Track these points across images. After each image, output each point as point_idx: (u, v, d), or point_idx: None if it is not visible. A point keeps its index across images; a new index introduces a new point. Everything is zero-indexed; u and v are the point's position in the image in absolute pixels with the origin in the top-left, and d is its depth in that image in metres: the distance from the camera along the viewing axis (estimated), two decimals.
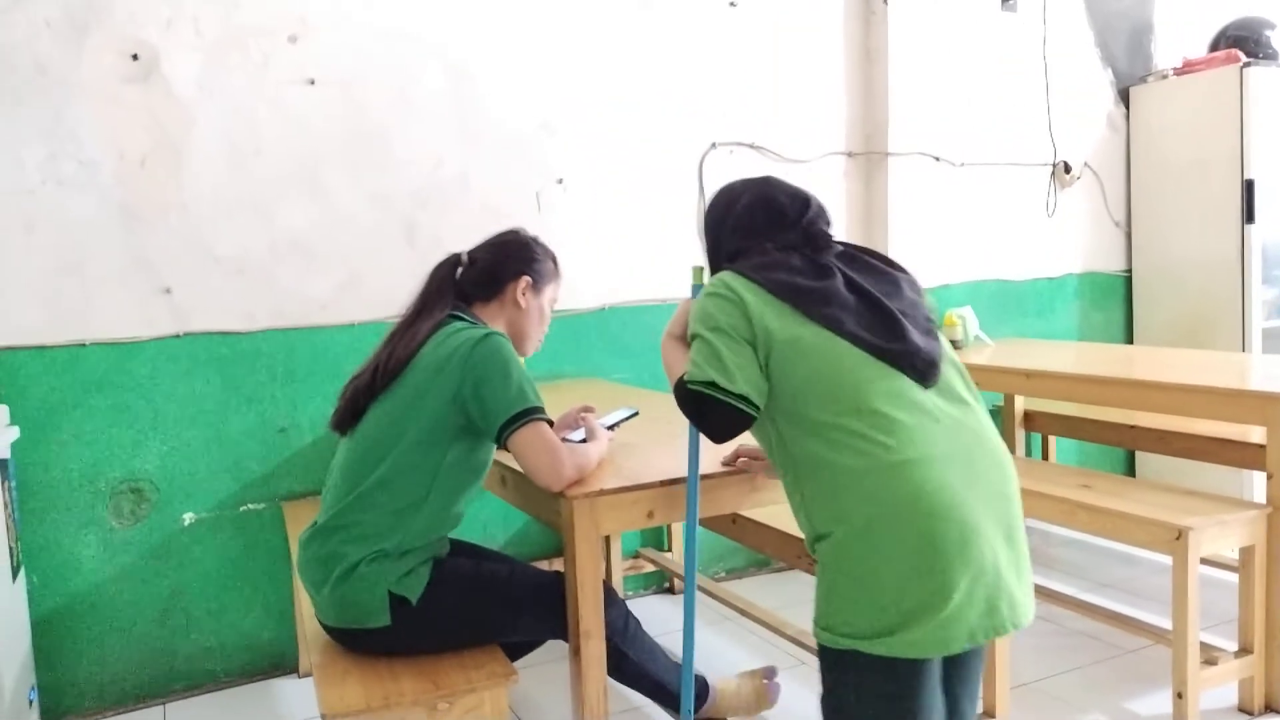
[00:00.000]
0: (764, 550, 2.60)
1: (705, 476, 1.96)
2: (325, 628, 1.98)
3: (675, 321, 1.85)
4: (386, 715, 1.77)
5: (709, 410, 1.57)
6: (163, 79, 2.83)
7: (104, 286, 2.79)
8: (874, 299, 1.59)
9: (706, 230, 1.83)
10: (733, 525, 2.61)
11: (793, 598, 3.44)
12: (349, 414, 1.99)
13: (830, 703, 1.60)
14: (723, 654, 3.08)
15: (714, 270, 1.79)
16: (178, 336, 2.88)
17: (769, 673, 2.27)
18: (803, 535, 1.64)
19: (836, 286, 1.60)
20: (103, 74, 2.77)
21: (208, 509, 2.94)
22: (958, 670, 1.61)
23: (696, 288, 1.88)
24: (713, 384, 1.54)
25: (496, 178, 3.28)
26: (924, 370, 1.55)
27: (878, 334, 1.56)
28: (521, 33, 3.29)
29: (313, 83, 3.00)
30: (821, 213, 1.73)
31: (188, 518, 2.92)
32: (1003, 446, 1.61)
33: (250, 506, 2.99)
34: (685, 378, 1.60)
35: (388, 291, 3.09)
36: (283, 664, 3.06)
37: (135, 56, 2.80)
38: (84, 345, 2.78)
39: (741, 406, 1.54)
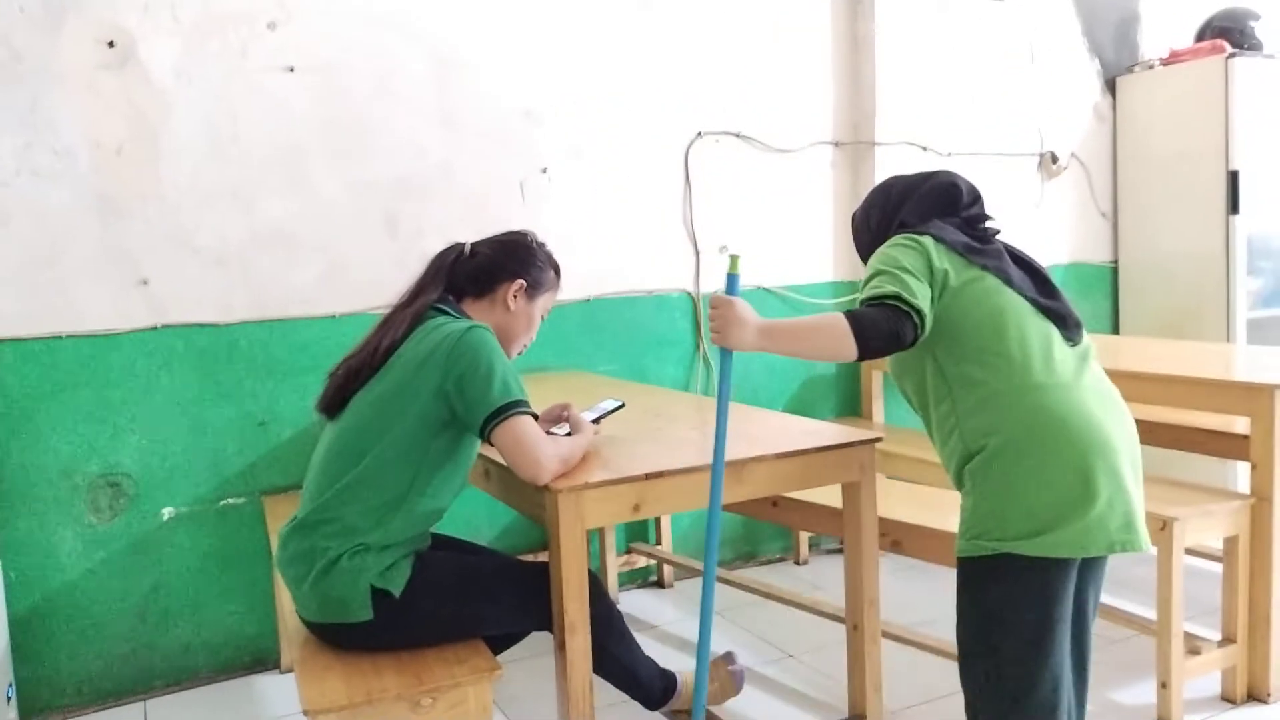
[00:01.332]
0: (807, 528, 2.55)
1: (696, 469, 1.94)
2: (306, 623, 1.95)
3: (745, 312, 1.79)
4: (369, 711, 1.75)
5: (889, 320, 1.65)
6: (140, 66, 2.78)
7: (80, 278, 2.75)
8: (1034, 267, 1.83)
9: (880, 202, 1.94)
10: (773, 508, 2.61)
11: (792, 587, 3.43)
12: (337, 398, 1.96)
13: (976, 612, 1.73)
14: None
15: (873, 241, 1.89)
16: (155, 329, 2.84)
17: (730, 659, 2.27)
18: (948, 466, 1.79)
19: (1002, 251, 1.82)
20: (79, 61, 2.72)
21: (187, 503, 2.90)
22: (1093, 575, 1.78)
23: (732, 277, 1.86)
24: (898, 296, 1.65)
25: (480, 167, 3.25)
26: (1073, 329, 1.77)
27: (1039, 292, 1.77)
28: (505, 20, 3.25)
29: (292, 70, 2.96)
30: (984, 208, 1.91)
31: (167, 512, 2.88)
32: (1127, 407, 1.80)
33: (230, 501, 2.95)
34: (868, 296, 1.69)
35: (369, 283, 3.06)
36: (264, 660, 3.03)
37: (112, 43, 2.75)
38: (60, 337, 2.73)
39: (917, 319, 1.66)
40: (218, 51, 2.87)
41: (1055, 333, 1.74)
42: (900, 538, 2.44)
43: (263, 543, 2.95)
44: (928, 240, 1.76)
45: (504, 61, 3.27)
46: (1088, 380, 1.73)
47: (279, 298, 2.98)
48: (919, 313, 1.66)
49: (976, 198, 1.90)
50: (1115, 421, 1.71)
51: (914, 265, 1.72)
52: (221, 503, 2.95)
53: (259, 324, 2.96)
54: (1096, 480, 1.63)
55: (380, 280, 3.03)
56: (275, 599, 2.93)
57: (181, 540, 2.91)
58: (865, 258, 1.90)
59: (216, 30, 2.86)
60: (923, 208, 1.86)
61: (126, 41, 2.76)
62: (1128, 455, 1.70)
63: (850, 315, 1.67)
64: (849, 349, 1.67)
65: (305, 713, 1.72)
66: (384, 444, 1.87)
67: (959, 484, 1.78)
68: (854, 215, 2.01)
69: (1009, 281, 1.75)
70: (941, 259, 1.74)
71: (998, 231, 1.89)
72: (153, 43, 2.79)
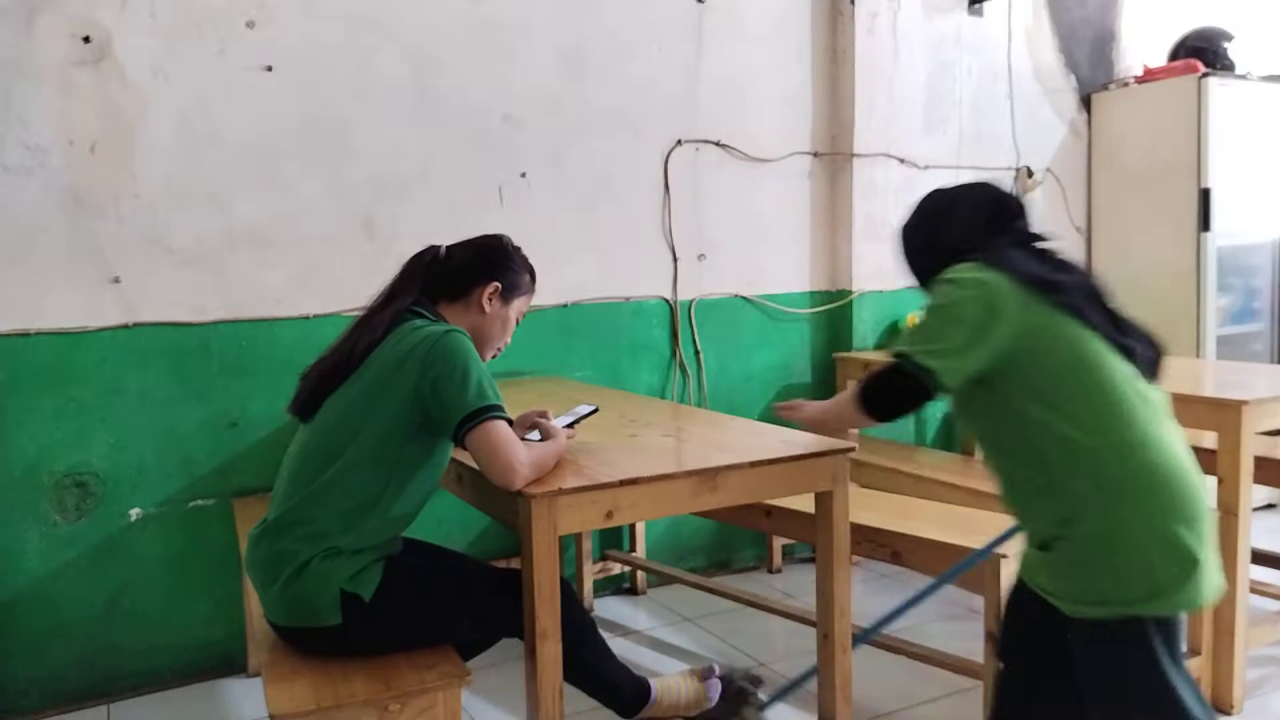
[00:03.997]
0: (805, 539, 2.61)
1: (670, 476, 1.94)
2: (274, 627, 1.93)
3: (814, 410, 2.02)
4: (337, 716, 1.74)
5: (893, 389, 1.69)
6: (115, 63, 2.75)
7: (51, 275, 2.71)
8: (1104, 303, 1.71)
9: (929, 220, 1.88)
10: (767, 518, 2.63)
11: (765, 594, 3.43)
12: (310, 400, 1.95)
13: (1109, 676, 1.65)
14: (686, 655, 3.07)
15: (920, 266, 1.86)
16: (126, 327, 2.81)
17: (707, 672, 2.27)
18: (1031, 522, 1.71)
19: (1076, 282, 1.70)
20: (53, 57, 2.69)
21: (155, 504, 2.87)
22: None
23: None
24: (905, 355, 1.66)
25: (458, 170, 3.24)
26: (1151, 365, 1.70)
27: (1111, 327, 1.67)
28: (485, 22, 3.25)
29: (270, 69, 2.94)
30: (1029, 221, 1.84)
31: (134, 513, 2.85)
32: None
33: (199, 502, 2.92)
34: (894, 352, 1.69)
35: (344, 284, 3.04)
36: (232, 663, 3.00)
37: (87, 39, 2.72)
38: (29, 334, 2.70)
39: (933, 380, 1.63)
40: (195, 49, 2.84)
41: (1133, 372, 1.65)
42: (901, 549, 2.45)
43: (232, 545, 2.92)
44: (995, 279, 1.65)
45: (484, 65, 3.26)
46: (1169, 425, 1.66)
47: (253, 298, 2.96)
48: (929, 372, 1.63)
49: (1022, 210, 1.84)
50: (1195, 464, 1.66)
51: (962, 314, 1.64)
52: (190, 504, 2.91)
53: (232, 324, 2.93)
54: (1204, 530, 1.60)
55: (356, 282, 3.01)
56: (244, 602, 2.90)
57: (149, 541, 2.87)
58: (917, 278, 1.89)
59: (194, 28, 2.84)
60: (969, 226, 1.79)
61: (102, 37, 2.73)
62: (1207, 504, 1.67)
63: (861, 384, 1.73)
64: (866, 420, 1.76)
65: (271, 717, 1.70)
66: (357, 447, 1.86)
67: (1046, 543, 1.66)
68: (903, 229, 1.94)
69: (1085, 319, 1.64)
70: (1010, 299, 1.63)
71: (1058, 253, 1.78)
72: (129, 39, 2.76)
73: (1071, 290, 1.66)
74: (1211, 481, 2.85)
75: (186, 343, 2.88)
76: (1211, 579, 1.61)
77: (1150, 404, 1.64)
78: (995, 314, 1.62)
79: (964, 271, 1.68)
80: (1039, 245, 1.78)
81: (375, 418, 1.86)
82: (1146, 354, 1.69)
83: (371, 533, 1.87)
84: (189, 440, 2.90)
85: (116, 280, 2.79)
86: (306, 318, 3.02)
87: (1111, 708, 1.66)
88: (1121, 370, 1.63)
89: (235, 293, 2.93)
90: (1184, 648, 1.69)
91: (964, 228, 1.79)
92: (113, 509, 2.82)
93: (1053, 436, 1.62)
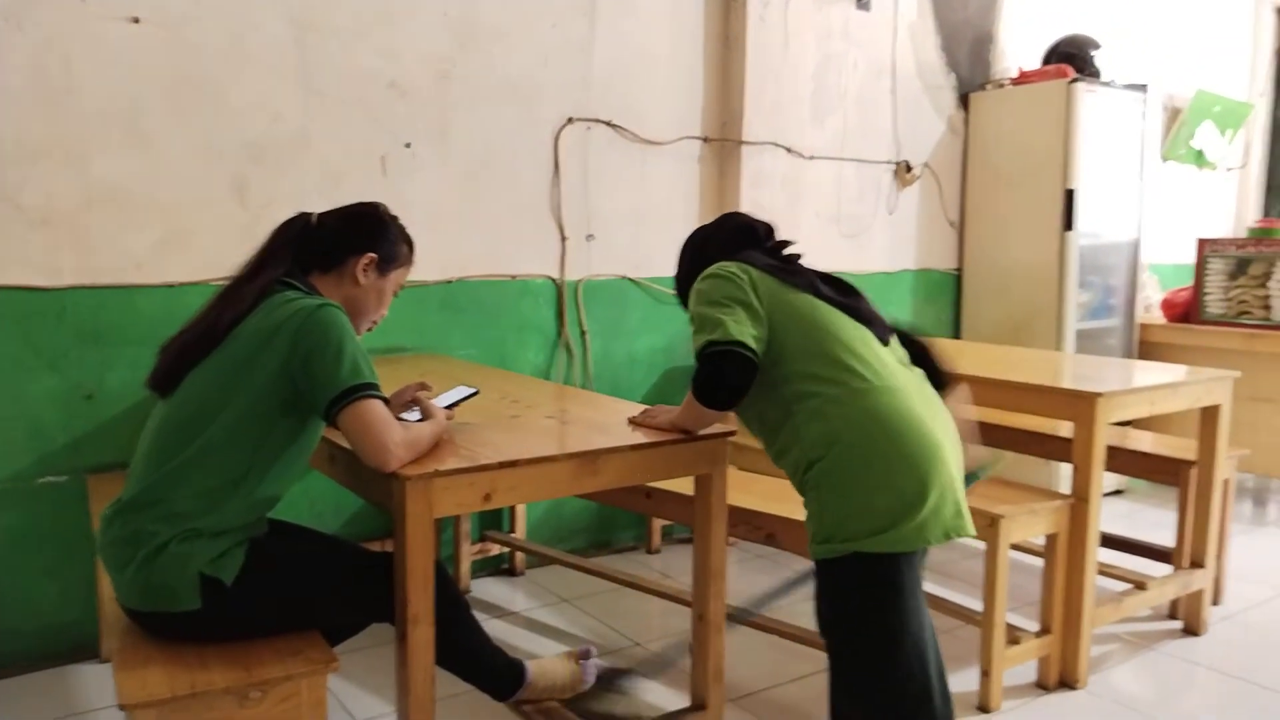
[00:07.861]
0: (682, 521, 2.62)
1: (551, 459, 1.93)
2: (128, 611, 1.84)
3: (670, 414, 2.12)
4: (193, 704, 1.66)
5: (713, 373, 1.83)
6: None
7: None
8: (837, 280, 2.00)
9: (689, 252, 2.15)
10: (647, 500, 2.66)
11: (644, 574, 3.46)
12: (170, 374, 1.85)
13: (835, 613, 1.84)
14: (564, 636, 3.07)
15: (689, 286, 2.04)
16: None
17: (584, 653, 2.27)
18: (792, 478, 1.91)
19: (807, 269, 2.00)
20: None
21: (0, 480, 2.69)
22: (922, 560, 1.90)
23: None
24: (710, 343, 1.82)
25: (340, 137, 3.12)
26: (882, 328, 1.94)
27: (844, 297, 1.94)
28: None
29: (137, 21, 2.76)
30: (778, 238, 2.11)
31: None
32: (943, 403, 1.95)
33: (50, 479, 2.75)
34: (696, 352, 1.86)
35: (213, 251, 2.90)
36: (83, 649, 2.84)
37: None
38: None
39: (742, 350, 1.80)
40: None
41: (867, 333, 1.90)
42: (775, 531, 2.51)
43: (85, 524, 2.76)
44: (736, 265, 1.92)
45: (370, 30, 3.14)
46: (908, 379, 1.88)
47: (112, 263, 2.79)
48: (738, 344, 1.80)
49: (771, 231, 2.11)
50: (937, 418, 1.85)
51: (726, 294, 1.87)
52: (40, 480, 2.74)
53: (89, 290, 2.76)
54: (929, 476, 1.76)
55: (225, 250, 2.87)
56: (96, 585, 2.75)
57: None
58: (683, 300, 2.08)
59: None
60: (729, 244, 2.04)
61: None
62: (951, 448, 1.84)
63: (691, 386, 1.89)
64: (711, 415, 1.96)
65: (121, 706, 1.62)
66: (220, 424, 1.77)
67: (802, 492, 1.88)
68: (675, 278, 2.18)
69: (817, 293, 1.91)
70: (755, 278, 1.90)
71: (800, 256, 2.06)
72: None
73: (805, 273, 1.97)
74: (1067, 469, 3.02)
75: (39, 308, 2.69)
76: (941, 520, 1.77)
77: (884, 361, 1.87)
78: (751, 287, 1.89)
79: (713, 269, 1.95)
80: (785, 252, 2.06)
81: (240, 394, 1.78)
82: (881, 321, 1.95)
83: (234, 514, 1.79)
84: (40, 412, 2.72)
85: None
86: (170, 285, 2.87)
87: (833, 644, 1.84)
88: (854, 331, 1.88)
89: (93, 257, 2.76)
90: (922, 588, 1.85)
91: (719, 249, 2.04)
92: None
93: (794, 391, 1.84)
